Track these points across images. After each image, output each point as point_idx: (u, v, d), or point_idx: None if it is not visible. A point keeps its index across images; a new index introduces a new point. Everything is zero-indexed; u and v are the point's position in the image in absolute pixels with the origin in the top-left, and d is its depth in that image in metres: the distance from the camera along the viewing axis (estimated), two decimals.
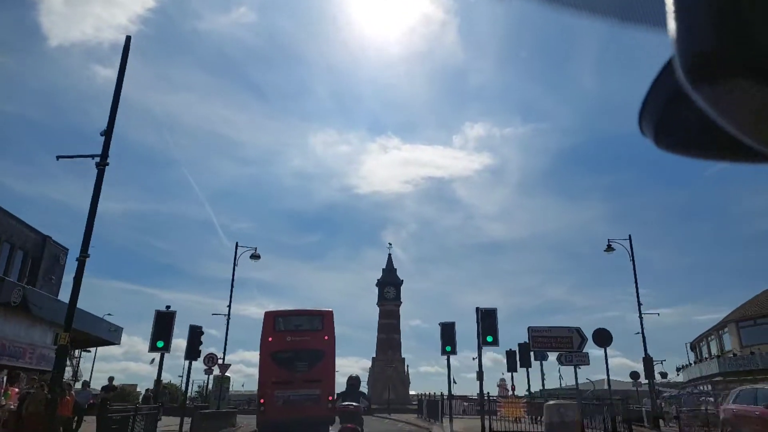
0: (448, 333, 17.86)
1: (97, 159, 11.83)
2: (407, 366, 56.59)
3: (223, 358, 25.31)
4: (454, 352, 17.76)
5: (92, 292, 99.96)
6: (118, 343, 30.38)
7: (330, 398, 16.82)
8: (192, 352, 17.70)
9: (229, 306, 24.73)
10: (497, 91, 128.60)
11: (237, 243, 26.59)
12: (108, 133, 12.07)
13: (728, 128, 0.47)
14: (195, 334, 17.79)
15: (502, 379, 35.53)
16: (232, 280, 25.77)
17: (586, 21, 0.58)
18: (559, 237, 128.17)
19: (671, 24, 0.45)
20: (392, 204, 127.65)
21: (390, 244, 59.99)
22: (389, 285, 58.30)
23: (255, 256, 27.52)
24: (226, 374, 28.11)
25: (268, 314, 19.14)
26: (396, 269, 60.02)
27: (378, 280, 59.24)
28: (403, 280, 59.12)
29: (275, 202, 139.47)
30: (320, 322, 18.97)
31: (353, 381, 10.89)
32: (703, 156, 0.53)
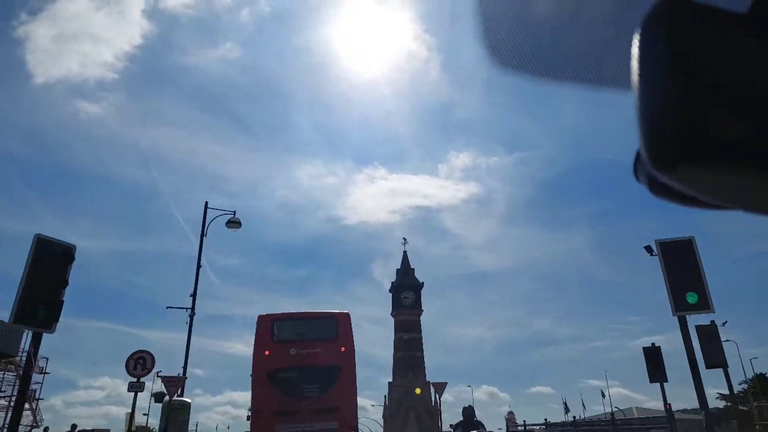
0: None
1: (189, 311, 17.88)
2: (435, 393, 44.13)
3: (184, 369, 18.52)
4: None
5: (73, 333, 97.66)
6: (16, 354, 21.74)
7: None
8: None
9: (194, 296, 19.88)
10: (482, 122, 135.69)
11: (206, 203, 21.92)
12: (194, 296, 18.78)
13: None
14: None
15: (510, 413, 35.39)
16: (199, 255, 21.01)
17: (564, 89, 0.62)
18: (545, 266, 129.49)
19: (636, 106, 0.47)
20: (380, 234, 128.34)
21: (405, 239, 48.35)
22: (407, 289, 46.34)
23: (233, 222, 21.86)
24: (184, 399, 16.96)
25: (263, 318, 14.05)
26: (414, 270, 48.33)
27: (392, 283, 47.36)
28: (423, 283, 47.23)
29: (262, 236, 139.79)
30: (334, 328, 14.07)
31: (469, 411, 10.73)
32: (697, 205, 0.52)
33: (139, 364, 13.71)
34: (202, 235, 22.64)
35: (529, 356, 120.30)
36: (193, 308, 21.26)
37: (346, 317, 14.22)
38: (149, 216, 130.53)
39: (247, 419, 19.76)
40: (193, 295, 21.62)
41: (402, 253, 49.03)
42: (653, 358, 15.47)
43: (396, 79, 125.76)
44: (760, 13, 0.46)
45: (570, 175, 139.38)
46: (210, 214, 22.91)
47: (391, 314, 46.84)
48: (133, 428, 16.96)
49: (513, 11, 0.67)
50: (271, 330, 13.79)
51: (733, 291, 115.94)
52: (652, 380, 15.34)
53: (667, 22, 0.48)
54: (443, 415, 44.24)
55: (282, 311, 14.66)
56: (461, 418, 10.71)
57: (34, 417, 47.92)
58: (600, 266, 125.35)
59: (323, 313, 14.92)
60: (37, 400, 48.07)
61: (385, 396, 44.86)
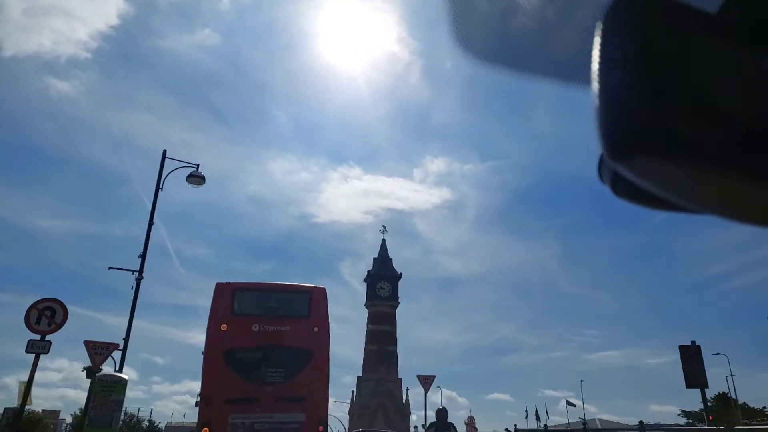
0: None
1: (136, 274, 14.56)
2: (407, 389, 41.46)
3: (126, 340, 14.80)
4: None
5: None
6: None
7: (320, 429, 10.66)
8: None
9: (143, 257, 16.37)
10: (458, 128, 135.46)
11: (164, 151, 18.97)
12: (143, 257, 15.04)
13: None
14: None
15: (470, 417, 34.57)
16: (152, 212, 17.65)
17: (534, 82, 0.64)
18: (512, 274, 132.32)
19: (596, 96, 0.48)
20: (351, 234, 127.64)
21: (384, 226, 45.46)
22: (383, 279, 43.49)
23: (196, 177, 18.40)
24: (118, 374, 13.71)
25: (222, 287, 11.34)
26: (392, 260, 45.58)
27: (368, 272, 44.45)
28: (401, 274, 44.50)
29: (231, 229, 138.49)
30: (307, 305, 11.63)
31: (443, 413, 10.29)
32: (659, 207, 0.52)
33: (45, 316, 10.43)
34: (157, 188, 19.45)
35: (490, 362, 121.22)
36: (141, 271, 18.02)
37: (321, 292, 11.97)
38: (116, 201, 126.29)
39: (196, 405, 17.73)
40: (142, 256, 18.36)
41: (380, 242, 46.29)
42: (693, 358, 13.01)
43: (376, 80, 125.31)
44: (728, 15, 0.48)
45: (540, 187, 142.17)
46: (169, 165, 19.75)
47: (365, 305, 44.01)
48: (29, 402, 13.54)
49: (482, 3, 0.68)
50: (231, 301, 11.40)
51: (702, 310, 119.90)
52: (689, 385, 12.71)
53: (632, 13, 0.48)
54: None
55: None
56: (434, 419, 10.49)
57: None
58: (563, 278, 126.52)
59: (295, 286, 12.38)
60: None
61: (352, 392, 42.03)
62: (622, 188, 0.51)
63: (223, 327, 10.98)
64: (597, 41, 0.49)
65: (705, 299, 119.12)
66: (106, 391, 14.27)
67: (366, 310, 43.44)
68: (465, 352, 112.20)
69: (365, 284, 44.48)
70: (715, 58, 0.46)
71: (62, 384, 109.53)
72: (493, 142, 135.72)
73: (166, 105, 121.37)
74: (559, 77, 0.61)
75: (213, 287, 11.91)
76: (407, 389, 41.24)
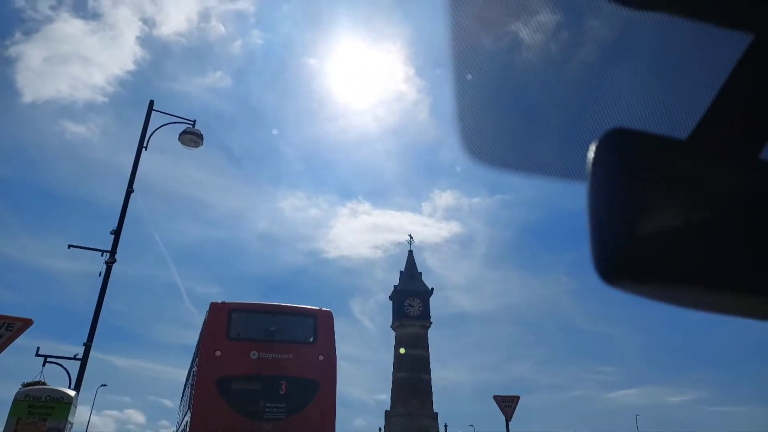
0: None
1: (107, 255, 11.56)
2: (445, 426, 35.30)
3: (90, 336, 11.27)
4: None
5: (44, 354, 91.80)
6: None
7: None
8: None
9: (117, 233, 12.58)
10: (465, 163, 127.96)
11: (151, 102, 14.59)
12: (117, 232, 11.70)
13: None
14: None
15: None
16: (132, 176, 13.68)
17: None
18: (525, 311, 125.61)
19: (587, 222, 0.53)
20: (361, 270, 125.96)
21: (410, 236, 40.02)
22: (411, 296, 37.99)
23: (191, 135, 14.10)
24: (61, 389, 8.69)
25: (217, 307, 10.13)
26: (421, 273, 40.13)
27: (394, 287, 38.96)
28: (432, 289, 38.93)
29: (241, 266, 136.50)
30: (311, 329, 10.38)
31: None
32: (653, 299, 0.55)
33: None
34: (140, 147, 14.61)
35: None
36: (113, 252, 12.96)
37: (327, 316, 10.65)
38: (128, 241, 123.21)
39: None
40: (116, 232, 13.29)
41: (407, 254, 40.95)
42: None
43: (385, 118, 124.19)
44: (696, 140, 0.55)
45: (550, 221, 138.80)
46: (158, 120, 15.03)
47: (391, 326, 38.22)
48: None
49: (485, 110, 0.75)
50: (227, 323, 10.05)
51: (713, 349, 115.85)
52: None
53: (616, 147, 0.53)
54: None
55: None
56: None
57: None
58: (578, 314, 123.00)
59: (299, 308, 10.98)
60: None
61: (379, 429, 35.88)
62: (612, 282, 0.54)
63: (217, 353, 9.60)
64: (587, 170, 0.54)
65: (721, 335, 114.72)
66: (36, 414, 9.06)
67: (393, 332, 37.79)
68: (478, 392, 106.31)
69: (390, 302, 38.96)
70: (690, 180, 0.51)
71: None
72: (500, 176, 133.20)
73: (178, 145, 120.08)
74: (562, 178, 0.68)
75: None
76: (446, 426, 35.17)
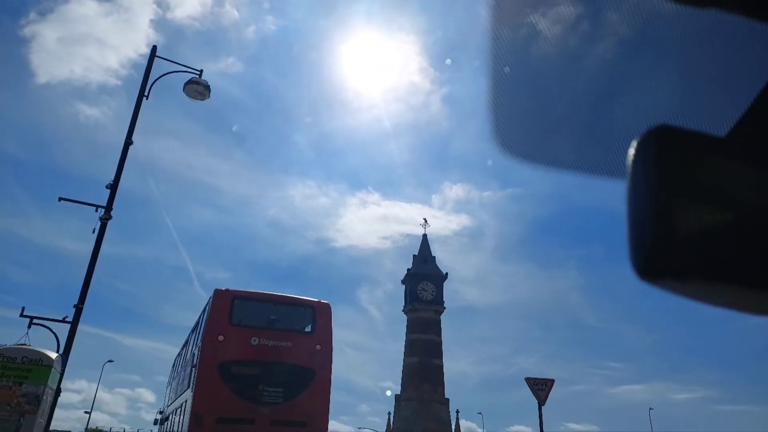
0: None
1: (101, 211, 10.73)
2: (457, 413, 34.26)
3: (83, 296, 10.62)
4: None
5: (57, 333, 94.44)
6: None
7: None
8: None
9: (114, 187, 11.59)
10: (477, 156, 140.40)
11: (154, 48, 13.34)
12: (114, 186, 11.04)
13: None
14: None
15: None
16: (133, 121, 12.60)
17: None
18: (533, 305, 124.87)
19: (626, 220, 0.54)
20: (368, 260, 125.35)
21: (425, 219, 38.70)
22: (425, 279, 36.74)
23: (197, 85, 12.81)
24: (38, 349, 7.63)
25: (220, 294, 10.37)
26: (435, 257, 38.84)
27: (407, 271, 37.74)
28: (447, 274, 37.62)
29: (250, 253, 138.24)
30: (310, 320, 10.80)
31: None
32: (690, 298, 0.56)
33: None
34: (141, 95, 13.44)
35: (510, 395, 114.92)
36: (108, 208, 11.81)
37: (325, 308, 11.03)
38: (140, 223, 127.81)
39: (155, 424, 16.31)
40: (112, 187, 12.12)
41: (421, 237, 39.65)
42: None
43: (397, 108, 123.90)
44: (735, 138, 0.56)
45: (561, 216, 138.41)
46: (161, 67, 13.85)
47: (403, 310, 37.14)
48: None
49: (520, 102, 0.75)
50: (230, 310, 10.31)
51: (722, 347, 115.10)
52: None
53: (657, 146, 0.53)
54: None
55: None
56: None
57: None
58: (586, 310, 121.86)
59: (298, 299, 11.38)
60: None
61: (389, 414, 34.94)
62: (652, 280, 0.54)
63: (220, 338, 9.92)
64: (628, 168, 0.54)
65: (731, 333, 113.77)
66: (10, 376, 7.93)
67: (401, 321, 36.70)
68: (483, 384, 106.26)
69: (403, 286, 37.81)
70: (728, 179, 0.51)
71: (81, 406, 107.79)
72: (512, 170, 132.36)
73: (189, 131, 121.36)
74: (594, 176, 0.68)
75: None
76: (457, 412, 34.09)
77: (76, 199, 12.36)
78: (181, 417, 10.63)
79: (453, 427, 33.04)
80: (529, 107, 0.76)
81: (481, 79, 0.67)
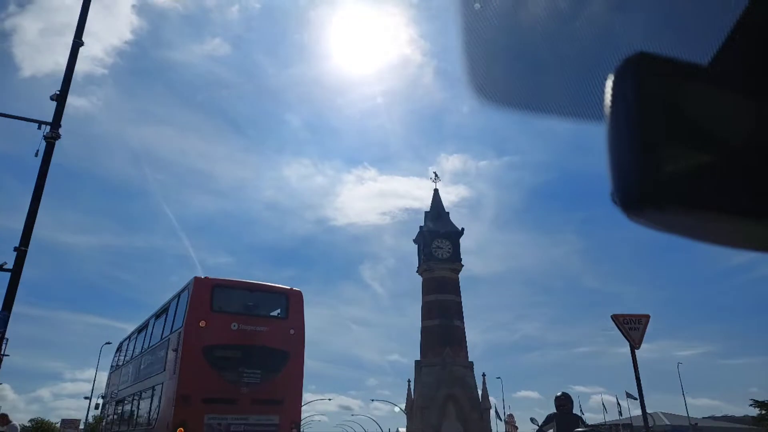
0: None
1: (46, 129, 9.08)
2: (483, 376, 31.99)
3: (25, 240, 8.88)
4: None
5: (61, 325, 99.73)
6: None
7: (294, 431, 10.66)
8: None
9: (62, 97, 9.68)
10: (472, 126, 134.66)
11: None
12: (61, 97, 9.36)
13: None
14: None
15: (510, 415, 32.30)
16: (81, 20, 10.92)
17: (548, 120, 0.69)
18: (534, 272, 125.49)
19: (607, 150, 0.53)
20: (369, 236, 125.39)
21: (435, 173, 35.91)
22: (440, 237, 34.11)
23: None
24: None
25: (201, 282, 10.97)
26: (448, 213, 36.06)
27: (420, 228, 35.00)
28: (463, 230, 34.91)
29: (250, 236, 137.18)
30: (284, 307, 11.64)
31: (565, 401, 6.72)
32: (670, 232, 0.55)
33: None
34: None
35: (515, 361, 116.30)
36: (55, 124, 8.91)
37: (297, 295, 11.71)
38: (137, 213, 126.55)
39: (96, 408, 19.12)
40: (60, 98, 9.17)
41: (432, 192, 36.81)
42: None
43: (389, 82, 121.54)
44: (719, 67, 0.54)
45: (558, 182, 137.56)
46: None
47: (417, 271, 34.54)
48: None
49: (495, 45, 0.71)
50: (211, 297, 10.80)
51: (721, 303, 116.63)
52: None
53: (636, 73, 0.52)
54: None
55: None
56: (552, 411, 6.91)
57: None
58: (587, 273, 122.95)
59: (272, 286, 11.96)
60: None
61: (408, 381, 32.66)
62: (634, 213, 0.53)
63: (202, 323, 10.45)
64: (606, 98, 0.53)
65: (729, 289, 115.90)
66: None
67: (407, 296, 34.28)
68: (488, 351, 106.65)
69: (415, 245, 35.15)
70: (709, 108, 0.50)
71: (80, 394, 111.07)
72: (508, 139, 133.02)
73: (181, 116, 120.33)
74: (575, 117, 0.64)
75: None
76: (483, 375, 31.79)
77: (9, 114, 9.47)
78: (155, 399, 10.99)
79: (480, 392, 30.80)
80: (503, 45, 0.70)
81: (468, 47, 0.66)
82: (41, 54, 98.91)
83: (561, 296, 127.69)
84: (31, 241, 7.96)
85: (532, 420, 25.83)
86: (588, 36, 0.66)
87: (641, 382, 8.96)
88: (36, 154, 8.56)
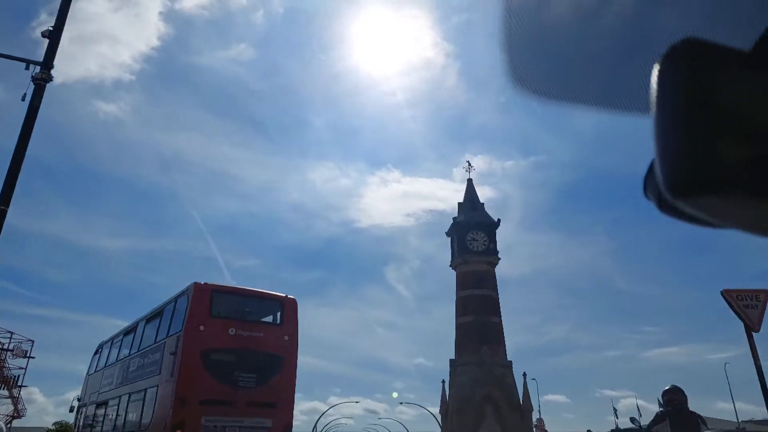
0: None
1: (37, 69, 7.83)
2: (524, 375, 29.92)
3: (4, 206, 7.41)
4: None
5: (90, 329, 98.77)
6: None
7: None
8: None
9: (55, 36, 8.50)
10: (497, 126, 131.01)
11: None
12: (55, 35, 8.24)
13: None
14: None
15: (540, 419, 30.83)
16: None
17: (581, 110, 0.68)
18: (562, 273, 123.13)
19: (654, 137, 0.52)
20: (393, 238, 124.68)
21: (468, 162, 33.95)
22: (474, 228, 32.24)
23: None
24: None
25: (200, 288, 11.32)
26: (483, 204, 34.17)
27: (453, 219, 33.23)
28: (499, 221, 32.99)
29: (276, 238, 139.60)
30: (279, 312, 12.07)
31: (677, 395, 5.70)
32: (702, 224, 0.55)
33: None
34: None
35: (542, 364, 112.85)
36: (47, 63, 7.57)
37: (292, 303, 12.09)
38: (167, 217, 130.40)
39: (70, 411, 17.57)
40: (53, 35, 7.85)
41: (466, 182, 34.98)
42: None
43: (412, 84, 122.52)
44: (762, 51, 0.53)
45: (586, 182, 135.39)
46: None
47: (450, 265, 32.74)
48: None
49: (535, 36, 0.70)
50: (210, 302, 11.18)
51: None
52: None
53: (685, 60, 0.52)
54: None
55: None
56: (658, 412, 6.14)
57: (15, 407, 35.42)
58: (616, 274, 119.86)
59: (268, 293, 12.40)
60: (20, 387, 35.89)
61: (443, 382, 30.82)
62: (668, 207, 0.53)
63: (201, 327, 10.80)
64: (653, 86, 0.52)
65: (763, 286, 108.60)
66: None
67: (453, 272, 32.32)
68: (515, 354, 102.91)
69: (448, 238, 33.38)
70: (756, 93, 0.50)
71: None
72: (533, 139, 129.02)
73: (207, 121, 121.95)
74: (613, 108, 0.63)
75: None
76: (524, 375, 29.72)
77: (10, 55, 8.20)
78: (147, 401, 11.14)
79: (521, 393, 28.79)
80: (544, 35, 0.69)
81: (496, 46, 0.64)
82: (71, 61, 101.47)
83: (591, 298, 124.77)
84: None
85: (632, 420, 23.73)
86: (622, 24, 0.64)
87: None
88: (23, 98, 7.22)
